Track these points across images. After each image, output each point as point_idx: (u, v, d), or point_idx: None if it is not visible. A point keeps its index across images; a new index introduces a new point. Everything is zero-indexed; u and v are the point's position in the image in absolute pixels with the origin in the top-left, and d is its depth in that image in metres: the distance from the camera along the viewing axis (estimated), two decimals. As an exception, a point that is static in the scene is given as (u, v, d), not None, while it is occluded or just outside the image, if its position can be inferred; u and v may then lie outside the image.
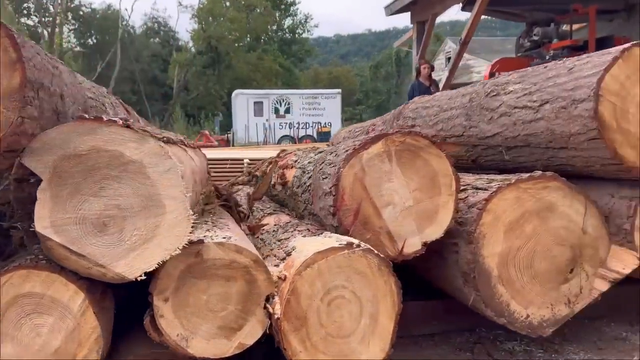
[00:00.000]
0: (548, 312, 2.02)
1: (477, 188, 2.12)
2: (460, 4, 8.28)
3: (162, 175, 1.36)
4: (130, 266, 1.35)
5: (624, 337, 2.38)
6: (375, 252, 1.53)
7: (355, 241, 1.54)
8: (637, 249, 2.03)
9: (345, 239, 1.55)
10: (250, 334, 1.49)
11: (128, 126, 1.33)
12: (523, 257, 2.00)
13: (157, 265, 1.37)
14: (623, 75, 1.84)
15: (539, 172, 2.00)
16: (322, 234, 1.84)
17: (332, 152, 2.14)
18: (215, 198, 2.79)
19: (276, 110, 22.51)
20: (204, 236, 1.51)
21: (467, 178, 2.34)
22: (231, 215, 2.96)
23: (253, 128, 21.66)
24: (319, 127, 20.96)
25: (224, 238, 1.52)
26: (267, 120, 22.03)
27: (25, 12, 38.47)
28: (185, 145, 1.98)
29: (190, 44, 39.27)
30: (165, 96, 39.39)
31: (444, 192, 1.96)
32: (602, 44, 7.59)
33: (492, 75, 7.77)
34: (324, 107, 22.40)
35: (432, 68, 7.52)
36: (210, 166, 6.20)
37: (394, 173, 1.91)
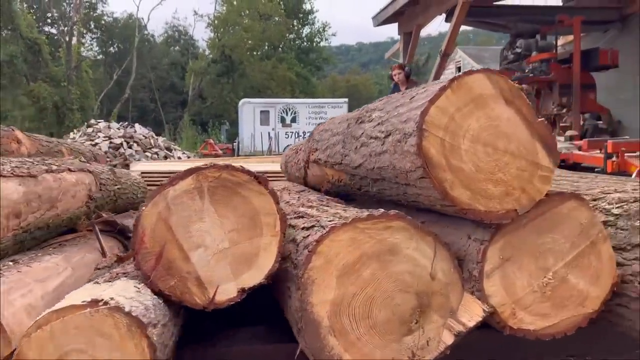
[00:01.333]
0: (388, 367, 1.81)
1: (321, 226, 1.93)
2: (444, 15, 8.06)
3: None
4: None
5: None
6: (126, 310, 1.36)
7: (106, 297, 1.37)
8: (485, 299, 1.80)
9: (93, 295, 1.38)
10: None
11: None
12: (359, 305, 1.80)
13: None
14: (453, 107, 1.64)
15: (380, 211, 1.80)
16: (117, 279, 1.67)
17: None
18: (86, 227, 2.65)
19: (282, 120, 22.42)
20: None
21: (327, 213, 2.15)
22: (113, 243, 2.82)
23: (259, 137, 21.63)
24: (325, 136, 20.70)
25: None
26: (273, 129, 21.96)
27: (49, 20, 39.50)
28: None
29: (208, 52, 39.61)
30: (183, 104, 39.81)
31: (266, 233, 1.78)
32: (588, 56, 7.29)
33: (470, 88, 7.52)
34: (330, 116, 22.17)
35: (407, 73, 7.05)
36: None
37: (206, 212, 1.73)
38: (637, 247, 1.83)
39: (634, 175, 4.68)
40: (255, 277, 1.76)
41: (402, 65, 7.17)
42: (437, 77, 8.00)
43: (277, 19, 38.43)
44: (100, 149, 18.33)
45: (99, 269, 2.23)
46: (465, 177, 1.66)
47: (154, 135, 19.94)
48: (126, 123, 20.60)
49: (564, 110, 7.39)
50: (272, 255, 1.77)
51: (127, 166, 18.67)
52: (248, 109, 22.24)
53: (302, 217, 2.22)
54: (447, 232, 1.97)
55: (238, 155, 21.68)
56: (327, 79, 53.08)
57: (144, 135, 19.51)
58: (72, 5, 33.74)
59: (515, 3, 8.42)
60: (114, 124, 19.93)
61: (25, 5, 37.20)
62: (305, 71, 44.53)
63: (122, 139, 18.71)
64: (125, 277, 1.70)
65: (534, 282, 1.83)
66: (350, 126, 2.34)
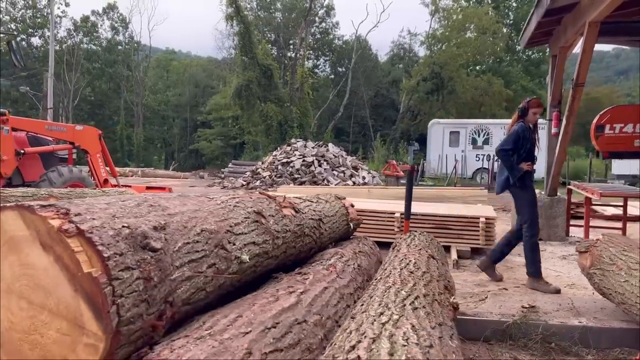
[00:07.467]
0: None
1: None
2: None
3: None
4: None
5: None
6: None
7: None
8: None
9: None
10: None
11: None
12: None
13: None
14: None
15: None
16: None
17: None
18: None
19: (473, 141, 20.95)
20: None
21: None
22: None
23: (448, 158, 20.62)
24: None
25: None
26: (462, 151, 20.71)
27: (291, 47, 44.63)
28: None
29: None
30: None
31: None
32: None
33: (600, 128, 5.96)
34: (528, 137, 19.82)
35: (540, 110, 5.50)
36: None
37: None
38: None
39: None
40: None
41: (539, 101, 5.09)
42: (570, 111, 6.58)
43: (504, 30, 36.29)
44: (293, 166, 19.93)
45: None
46: (-2, 334, 1.38)
47: (343, 155, 20.76)
48: (321, 142, 21.87)
49: None
50: None
51: (314, 183, 19.67)
52: (437, 130, 21.46)
53: None
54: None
55: (422, 178, 21.08)
56: (563, 91, 47.74)
57: (334, 154, 20.46)
58: (299, 33, 37.33)
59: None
60: (310, 143, 21.36)
61: (272, 35, 42.76)
62: (532, 84, 40.98)
63: (314, 157, 19.94)
64: None
65: None
66: None
